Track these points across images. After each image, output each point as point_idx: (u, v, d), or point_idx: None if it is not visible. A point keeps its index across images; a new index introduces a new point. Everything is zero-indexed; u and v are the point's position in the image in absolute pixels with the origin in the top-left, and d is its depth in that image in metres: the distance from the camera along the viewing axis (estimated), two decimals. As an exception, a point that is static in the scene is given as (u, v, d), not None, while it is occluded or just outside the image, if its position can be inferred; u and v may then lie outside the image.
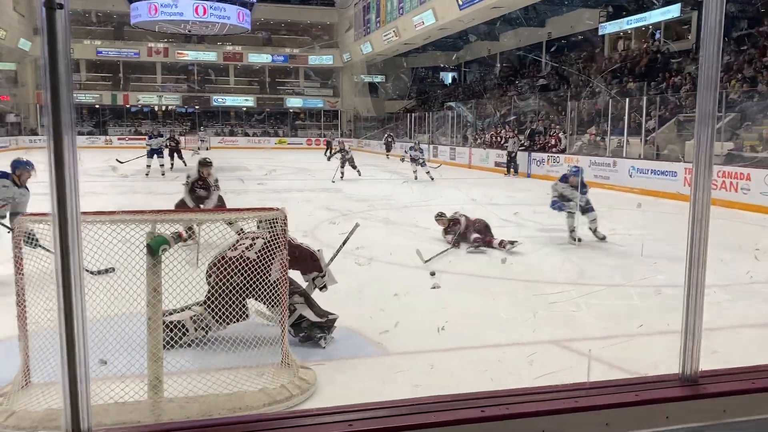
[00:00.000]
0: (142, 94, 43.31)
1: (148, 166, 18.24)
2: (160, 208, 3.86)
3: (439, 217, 8.69)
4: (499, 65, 36.02)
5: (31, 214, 3.51)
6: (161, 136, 19.76)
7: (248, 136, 43.33)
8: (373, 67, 42.67)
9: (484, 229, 8.27)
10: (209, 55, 43.66)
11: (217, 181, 8.71)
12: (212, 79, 44.59)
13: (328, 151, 22.95)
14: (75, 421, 1.07)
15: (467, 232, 8.24)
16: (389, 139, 31.36)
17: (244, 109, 45.46)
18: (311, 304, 4.54)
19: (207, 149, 31.30)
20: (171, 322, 3.92)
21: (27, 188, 6.37)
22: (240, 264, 4.01)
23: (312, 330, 4.47)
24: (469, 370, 4.11)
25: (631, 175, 15.94)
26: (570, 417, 1.29)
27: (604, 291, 6.24)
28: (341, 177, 17.71)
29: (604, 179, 16.68)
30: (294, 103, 45.80)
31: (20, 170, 6.30)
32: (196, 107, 44.26)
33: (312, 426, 1.21)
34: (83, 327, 1.09)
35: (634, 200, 13.68)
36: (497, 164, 22.58)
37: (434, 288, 6.12)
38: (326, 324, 4.52)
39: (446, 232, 8.52)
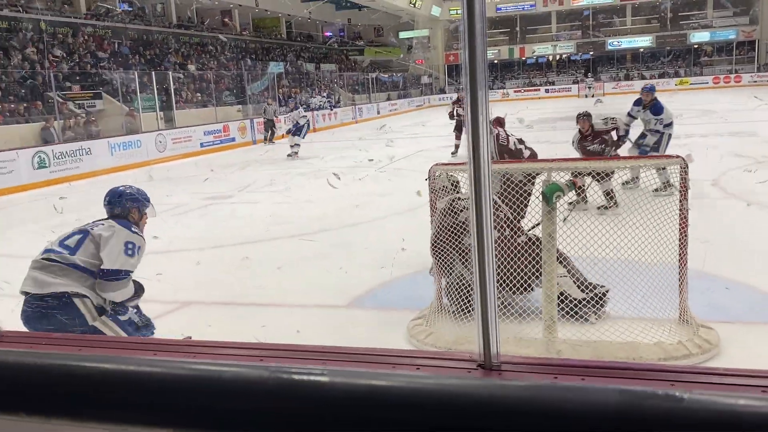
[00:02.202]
0: (537, 45, 44.22)
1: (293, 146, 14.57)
2: (554, 157, 3.96)
3: None
4: None
5: (446, 164, 3.97)
6: (297, 108, 15.45)
7: (645, 78, 40.66)
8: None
9: None
10: (606, -3, 42.06)
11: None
12: (608, 21, 42.90)
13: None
14: (486, 346, 1.19)
15: None
16: None
17: (641, 50, 42.68)
18: (574, 274, 3.95)
19: (593, 96, 30.48)
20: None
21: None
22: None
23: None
24: None
25: None
26: None
27: None
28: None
29: None
30: (700, 37, 41.04)
31: (145, 209, 3.55)
32: (591, 53, 43.30)
33: (717, 385, 1.13)
34: (493, 267, 1.20)
35: None
36: None
37: None
38: (595, 299, 3.85)
39: None
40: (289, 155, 14.68)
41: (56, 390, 1.15)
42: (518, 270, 3.85)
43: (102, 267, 3.20)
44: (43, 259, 3.22)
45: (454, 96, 17.52)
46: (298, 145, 14.72)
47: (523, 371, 1.16)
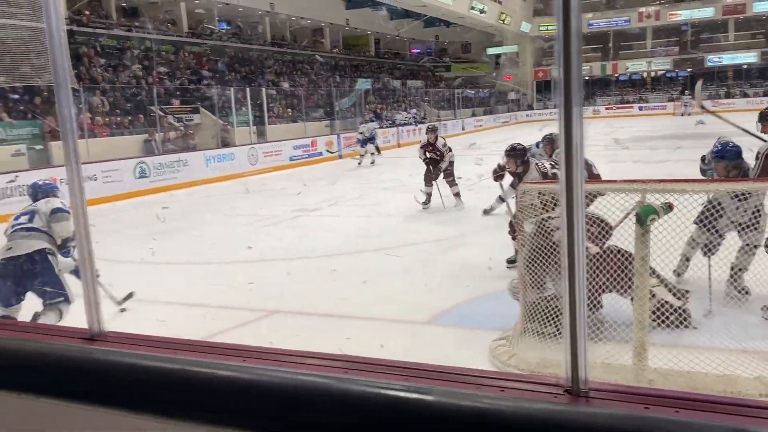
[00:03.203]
0: (630, 61, 42.84)
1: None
2: (650, 177, 3.82)
3: None
4: None
5: (537, 182, 3.92)
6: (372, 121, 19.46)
7: (747, 96, 38.45)
8: None
9: None
10: (705, 12, 40.15)
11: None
12: (707, 37, 40.99)
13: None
14: (575, 370, 1.16)
15: None
16: None
17: (745, 66, 40.45)
18: (666, 284, 3.99)
19: (690, 114, 29.07)
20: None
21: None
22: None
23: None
24: None
25: None
26: None
27: None
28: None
29: None
30: (813, 53, 38.52)
31: (57, 193, 4.99)
32: (688, 70, 41.47)
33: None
34: (583, 290, 1.18)
35: None
36: None
37: None
38: (685, 304, 3.91)
39: None
40: (365, 162, 17.04)
41: (149, 389, 1.22)
42: (596, 284, 3.80)
43: (52, 208, 4.60)
44: (13, 232, 4.51)
45: (528, 116, 18.05)
46: (373, 154, 17.28)
47: (613, 399, 1.12)
